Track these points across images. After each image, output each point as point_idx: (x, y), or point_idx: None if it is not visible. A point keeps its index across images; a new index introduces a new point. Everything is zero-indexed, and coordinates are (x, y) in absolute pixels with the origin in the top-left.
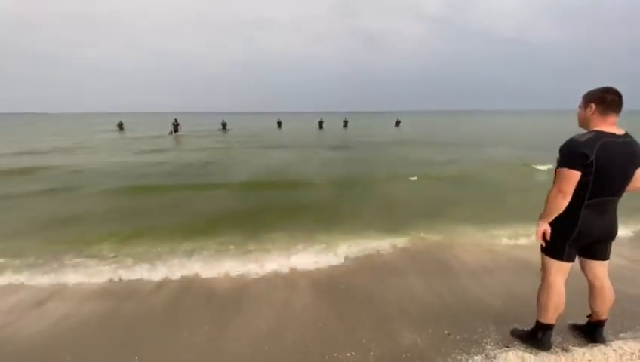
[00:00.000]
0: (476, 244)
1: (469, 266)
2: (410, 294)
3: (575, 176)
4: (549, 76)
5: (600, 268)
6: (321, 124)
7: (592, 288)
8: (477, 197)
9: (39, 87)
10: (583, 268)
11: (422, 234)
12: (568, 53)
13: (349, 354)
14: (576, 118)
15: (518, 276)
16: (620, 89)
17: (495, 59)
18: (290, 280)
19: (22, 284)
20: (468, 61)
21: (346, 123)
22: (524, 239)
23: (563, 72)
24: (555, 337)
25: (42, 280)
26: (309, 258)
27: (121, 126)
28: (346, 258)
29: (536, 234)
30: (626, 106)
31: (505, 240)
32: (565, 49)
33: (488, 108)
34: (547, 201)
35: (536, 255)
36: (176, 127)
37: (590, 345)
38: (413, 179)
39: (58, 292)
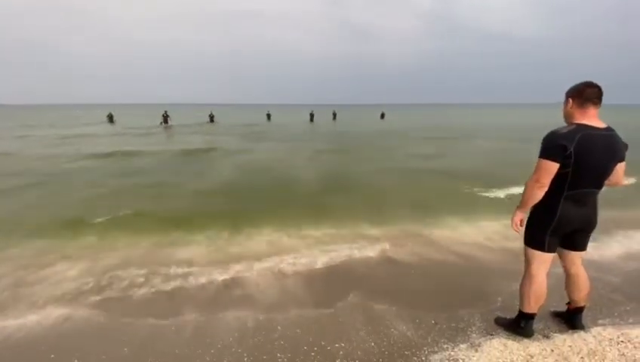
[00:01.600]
0: (462, 235)
1: (456, 257)
2: (397, 285)
3: (553, 167)
4: (536, 70)
5: (577, 258)
6: (312, 116)
7: (568, 277)
8: (458, 189)
9: (17, 78)
10: (561, 257)
11: (408, 226)
12: (555, 48)
13: (337, 345)
14: (560, 112)
15: (504, 267)
16: (606, 84)
17: (482, 54)
18: (278, 273)
19: None
20: (455, 55)
21: (334, 115)
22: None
23: (550, 65)
24: (537, 324)
25: None
26: (298, 251)
27: (111, 118)
28: (333, 251)
29: (512, 221)
30: (611, 101)
31: (491, 232)
32: (552, 43)
33: (477, 101)
34: (524, 191)
35: (521, 245)
36: (166, 118)
37: (570, 331)
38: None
39: None
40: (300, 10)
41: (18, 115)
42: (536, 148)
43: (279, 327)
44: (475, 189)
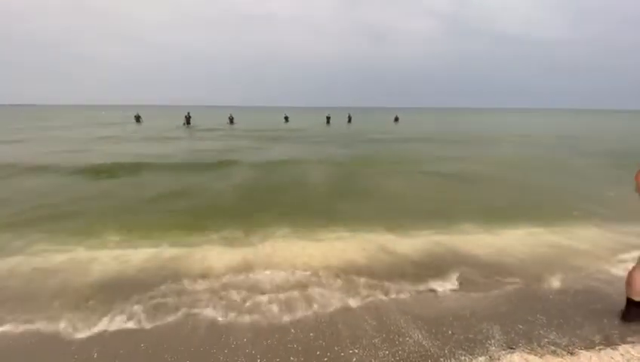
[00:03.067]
0: (480, 241)
1: (474, 265)
2: (412, 293)
3: None
4: (555, 74)
5: None
6: (328, 119)
7: None
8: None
9: (40, 79)
10: None
11: (423, 231)
12: (576, 52)
13: (350, 351)
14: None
15: (524, 276)
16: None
17: (499, 57)
18: (291, 275)
19: None
20: (471, 58)
21: (349, 118)
22: (531, 237)
23: (569, 70)
24: (561, 339)
25: None
26: (315, 251)
27: (138, 118)
28: (348, 253)
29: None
30: (634, 107)
31: (511, 238)
32: (573, 47)
33: (493, 106)
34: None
35: (544, 254)
36: (188, 119)
37: (597, 348)
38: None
39: None
40: (314, 13)
41: (47, 114)
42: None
43: (292, 330)
44: (488, 193)
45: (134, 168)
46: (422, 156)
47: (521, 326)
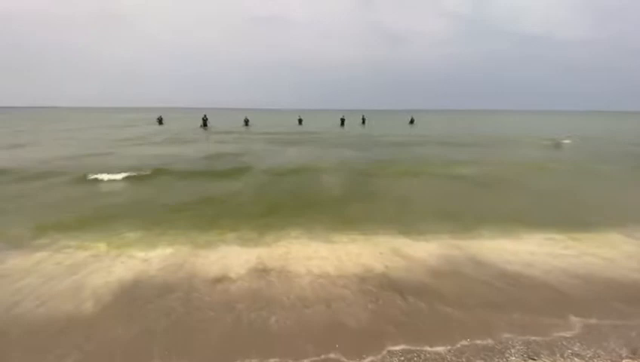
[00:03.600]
0: (504, 249)
1: (496, 274)
2: (431, 298)
3: None
4: (575, 76)
5: None
6: (342, 121)
7: None
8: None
9: (63, 82)
10: None
11: (443, 235)
12: (598, 53)
13: (364, 357)
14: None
15: (546, 284)
16: None
17: (519, 58)
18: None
19: None
20: (489, 59)
21: (363, 120)
22: (549, 244)
23: (590, 72)
24: (586, 352)
25: None
26: (327, 258)
27: (160, 120)
28: (363, 259)
29: None
30: None
31: (535, 244)
32: (596, 48)
33: (512, 108)
34: None
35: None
36: (205, 121)
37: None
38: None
39: None
40: (329, 16)
41: (75, 116)
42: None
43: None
44: (506, 198)
45: (158, 172)
46: (437, 159)
47: None
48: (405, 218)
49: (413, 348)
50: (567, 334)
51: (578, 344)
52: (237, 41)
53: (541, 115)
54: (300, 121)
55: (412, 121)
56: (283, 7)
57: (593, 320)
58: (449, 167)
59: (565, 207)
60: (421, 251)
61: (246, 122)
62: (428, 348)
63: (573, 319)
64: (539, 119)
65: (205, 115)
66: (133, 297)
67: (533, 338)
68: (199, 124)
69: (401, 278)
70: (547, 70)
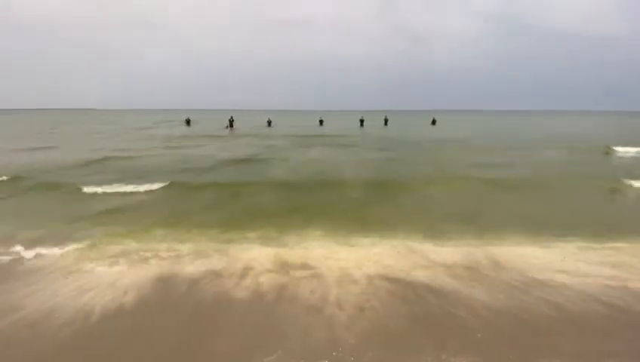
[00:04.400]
0: (532, 258)
1: (523, 287)
2: (455, 317)
3: None
4: (614, 73)
5: None
6: (362, 122)
7: None
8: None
9: (96, 84)
10: None
11: (465, 242)
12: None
13: None
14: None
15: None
16: None
17: (552, 56)
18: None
19: None
20: (517, 58)
21: (386, 121)
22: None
23: (622, 69)
24: None
25: None
26: (347, 259)
27: (188, 122)
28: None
29: None
30: None
31: (568, 253)
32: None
33: (542, 108)
34: None
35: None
36: (231, 122)
37: None
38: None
39: None
40: (353, 17)
41: (113, 118)
42: None
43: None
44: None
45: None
46: (461, 161)
47: None
48: (428, 220)
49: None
50: None
51: None
52: (260, 44)
53: (575, 116)
54: (321, 121)
55: (434, 122)
56: (307, 9)
57: None
58: (472, 169)
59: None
60: (444, 255)
61: (269, 123)
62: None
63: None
64: (574, 121)
65: (232, 117)
66: None
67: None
68: (225, 125)
69: (424, 282)
70: (579, 68)
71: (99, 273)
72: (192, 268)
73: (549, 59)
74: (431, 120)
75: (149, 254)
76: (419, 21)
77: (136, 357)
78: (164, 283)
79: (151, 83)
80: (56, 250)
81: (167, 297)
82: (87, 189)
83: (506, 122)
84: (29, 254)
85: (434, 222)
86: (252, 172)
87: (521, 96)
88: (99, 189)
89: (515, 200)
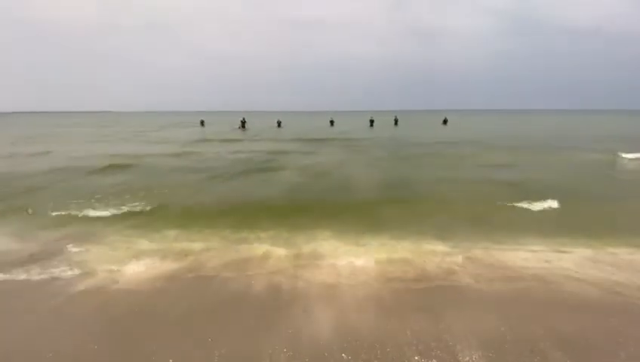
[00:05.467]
0: (542, 260)
1: (535, 288)
2: (473, 318)
3: None
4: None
5: None
6: (372, 122)
7: None
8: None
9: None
10: None
11: (477, 243)
12: None
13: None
14: None
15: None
16: None
17: (567, 55)
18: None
19: None
20: (533, 55)
21: (396, 121)
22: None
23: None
24: None
25: None
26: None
27: (202, 123)
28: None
29: None
30: None
31: (580, 258)
32: None
33: (558, 107)
34: None
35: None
36: (243, 123)
37: None
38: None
39: None
40: (365, 17)
41: (130, 120)
42: None
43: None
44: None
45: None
46: (473, 161)
47: None
48: (441, 223)
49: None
50: None
51: None
52: (273, 46)
53: (594, 115)
54: (332, 122)
55: (445, 122)
56: (319, 11)
57: None
58: (486, 170)
59: None
60: (458, 257)
61: (279, 124)
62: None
63: None
64: (593, 120)
65: (244, 118)
66: None
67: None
68: (237, 126)
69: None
70: (596, 67)
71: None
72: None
73: (566, 56)
74: (442, 119)
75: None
76: (429, 20)
77: None
78: None
79: (162, 85)
80: None
81: None
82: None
83: (528, 122)
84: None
85: (446, 224)
86: (260, 175)
87: (534, 95)
88: None
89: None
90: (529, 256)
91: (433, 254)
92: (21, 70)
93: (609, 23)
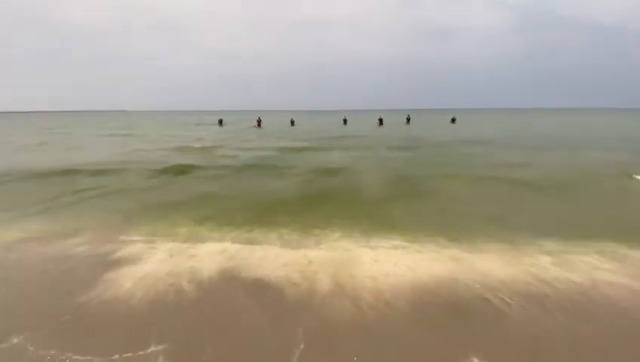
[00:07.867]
0: (561, 264)
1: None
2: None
3: None
4: None
5: None
6: (380, 121)
7: None
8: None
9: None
10: None
11: (491, 245)
12: None
13: None
14: None
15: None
16: None
17: (589, 50)
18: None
19: None
20: (544, 53)
21: (408, 119)
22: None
23: None
24: None
25: None
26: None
27: (220, 122)
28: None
29: None
30: None
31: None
32: None
33: (575, 105)
34: None
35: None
36: (259, 122)
37: None
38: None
39: None
40: (376, 16)
41: (143, 121)
42: None
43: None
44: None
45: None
46: (483, 161)
47: None
48: (454, 224)
49: None
50: None
51: None
52: (284, 45)
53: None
54: (345, 121)
55: (454, 121)
56: (330, 10)
57: None
58: (496, 169)
59: None
60: (478, 262)
61: (292, 123)
62: None
63: None
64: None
65: (259, 117)
66: None
67: None
68: (253, 125)
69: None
70: (617, 64)
71: None
72: None
73: (578, 53)
74: (450, 118)
75: None
76: (441, 16)
77: None
78: None
79: (176, 85)
80: None
81: None
82: None
83: (529, 121)
84: None
85: (459, 225)
86: (273, 174)
87: (546, 93)
88: None
89: (543, 202)
90: None
91: None
92: (37, 70)
93: (635, 18)
